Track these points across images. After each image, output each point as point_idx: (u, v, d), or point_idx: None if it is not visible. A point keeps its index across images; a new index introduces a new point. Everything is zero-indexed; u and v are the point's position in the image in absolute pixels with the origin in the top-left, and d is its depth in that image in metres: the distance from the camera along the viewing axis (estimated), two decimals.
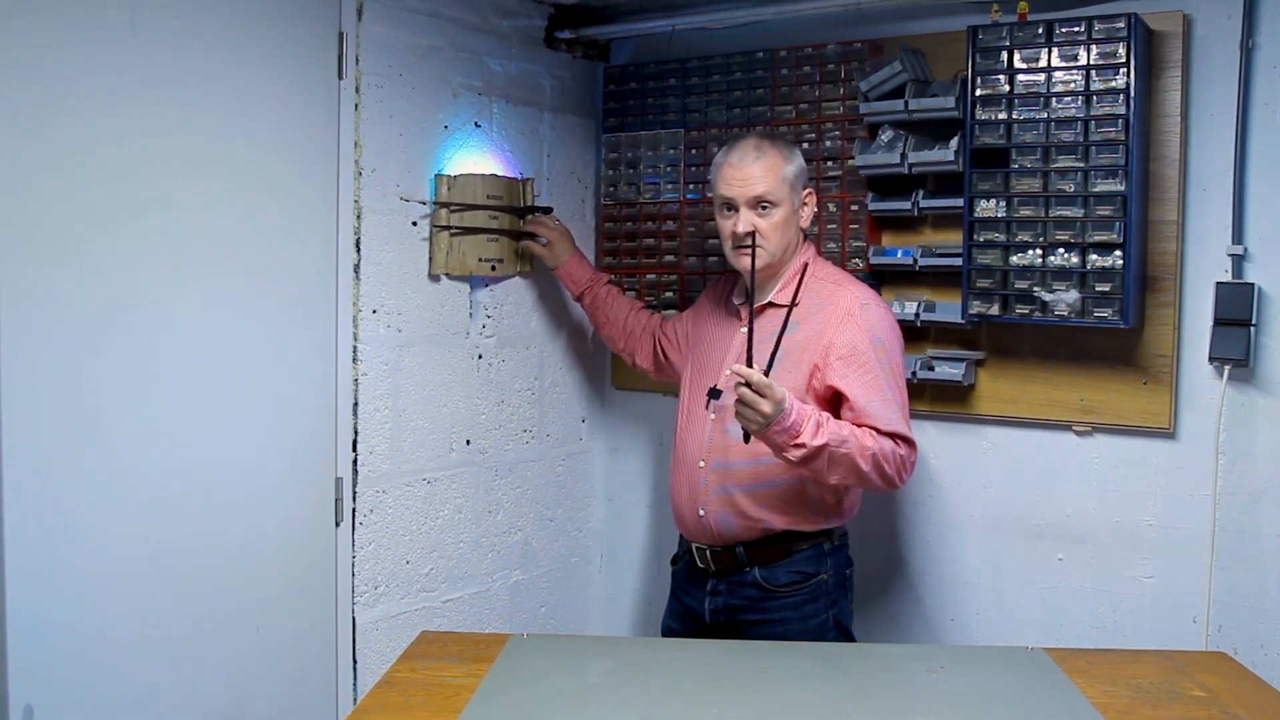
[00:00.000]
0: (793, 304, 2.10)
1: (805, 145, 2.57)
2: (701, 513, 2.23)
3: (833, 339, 2.14)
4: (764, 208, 2.18)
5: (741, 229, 2.18)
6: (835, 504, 2.23)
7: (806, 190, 2.26)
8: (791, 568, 2.21)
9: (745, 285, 2.31)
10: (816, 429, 2.00)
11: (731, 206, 2.21)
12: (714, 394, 2.21)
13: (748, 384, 1.94)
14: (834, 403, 2.15)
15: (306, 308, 2.28)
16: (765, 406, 1.94)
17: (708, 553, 2.26)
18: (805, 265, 2.24)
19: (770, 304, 2.24)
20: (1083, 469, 2.42)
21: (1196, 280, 2.27)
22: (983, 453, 2.53)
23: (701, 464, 2.23)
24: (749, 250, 2.16)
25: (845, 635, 2.27)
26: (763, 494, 2.18)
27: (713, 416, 2.23)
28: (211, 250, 2.09)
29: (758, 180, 2.17)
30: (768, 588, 2.21)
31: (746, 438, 2.03)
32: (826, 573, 2.23)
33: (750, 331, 2.10)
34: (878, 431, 2.08)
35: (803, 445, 1.99)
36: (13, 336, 1.79)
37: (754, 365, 1.99)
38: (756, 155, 2.19)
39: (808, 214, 2.28)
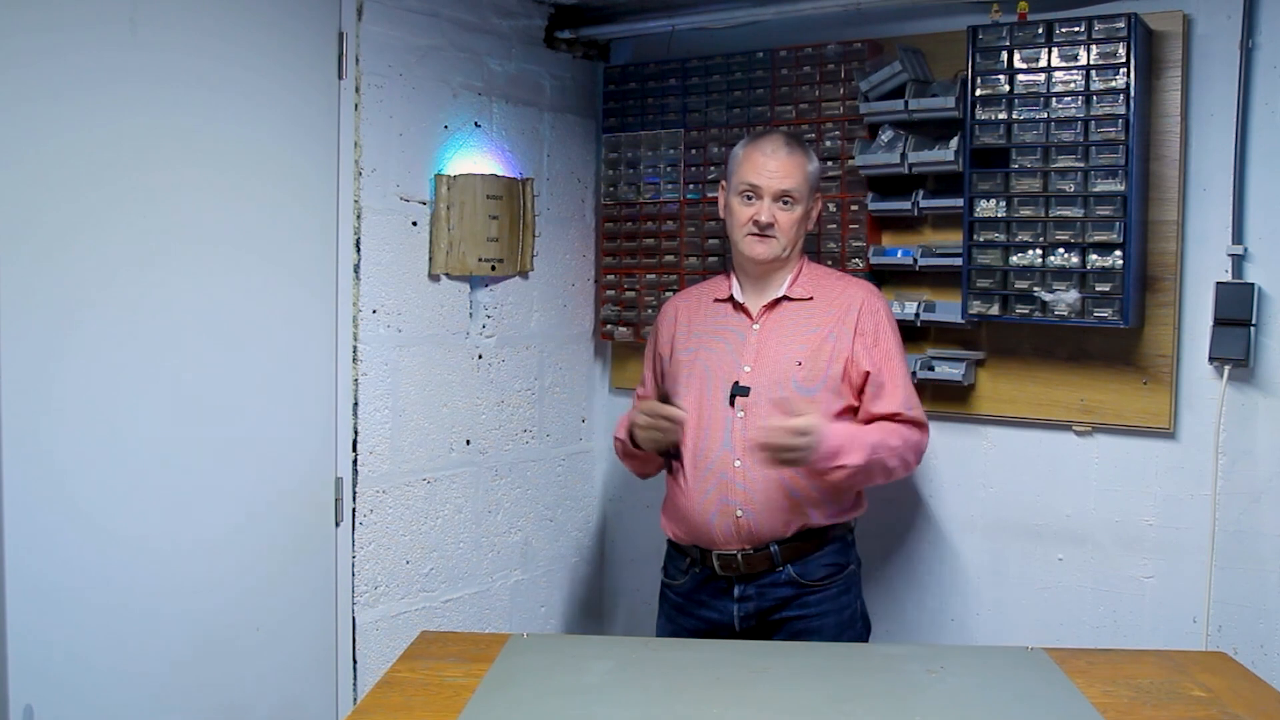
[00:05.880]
0: (799, 299, 2.25)
1: None
2: (740, 514, 2.19)
3: (857, 327, 2.22)
4: (786, 202, 2.22)
5: (765, 219, 2.21)
6: (860, 494, 2.30)
7: (817, 194, 2.33)
8: (824, 561, 2.22)
9: (738, 282, 2.30)
10: (855, 448, 2.10)
11: (755, 194, 2.23)
12: (741, 391, 2.20)
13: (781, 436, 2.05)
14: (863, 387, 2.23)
15: (306, 308, 2.28)
16: (803, 441, 2.04)
17: (739, 557, 2.21)
18: (803, 264, 2.32)
19: (786, 298, 2.27)
20: (1083, 469, 2.42)
21: (1196, 280, 2.28)
22: (983, 453, 2.54)
23: (738, 464, 2.19)
24: (764, 238, 2.23)
25: (867, 625, 2.32)
26: (809, 486, 2.18)
27: (741, 414, 2.20)
28: (211, 250, 2.09)
29: (787, 174, 2.22)
30: (804, 583, 2.21)
31: None
32: (853, 563, 2.28)
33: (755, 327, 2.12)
34: (900, 418, 2.17)
35: (844, 467, 2.09)
36: (13, 337, 1.79)
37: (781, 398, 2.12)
38: (789, 151, 2.23)
39: (814, 216, 2.34)
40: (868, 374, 2.19)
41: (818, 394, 2.18)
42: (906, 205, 2.50)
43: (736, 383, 2.21)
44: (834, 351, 2.20)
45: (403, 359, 2.49)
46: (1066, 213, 2.25)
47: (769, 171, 2.21)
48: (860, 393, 2.21)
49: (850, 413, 2.22)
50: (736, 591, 2.23)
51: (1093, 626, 2.41)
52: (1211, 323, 2.23)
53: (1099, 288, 2.23)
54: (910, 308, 2.47)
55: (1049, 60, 2.24)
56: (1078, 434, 2.42)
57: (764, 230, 2.22)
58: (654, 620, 2.44)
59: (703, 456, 2.22)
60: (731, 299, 2.32)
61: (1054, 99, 2.24)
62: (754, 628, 2.24)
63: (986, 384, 2.50)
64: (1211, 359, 2.25)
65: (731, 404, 2.21)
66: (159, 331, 2.01)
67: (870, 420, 2.20)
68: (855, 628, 2.27)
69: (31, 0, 1.80)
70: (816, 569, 2.22)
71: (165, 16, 1.98)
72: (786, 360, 2.21)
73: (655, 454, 2.29)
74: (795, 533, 2.20)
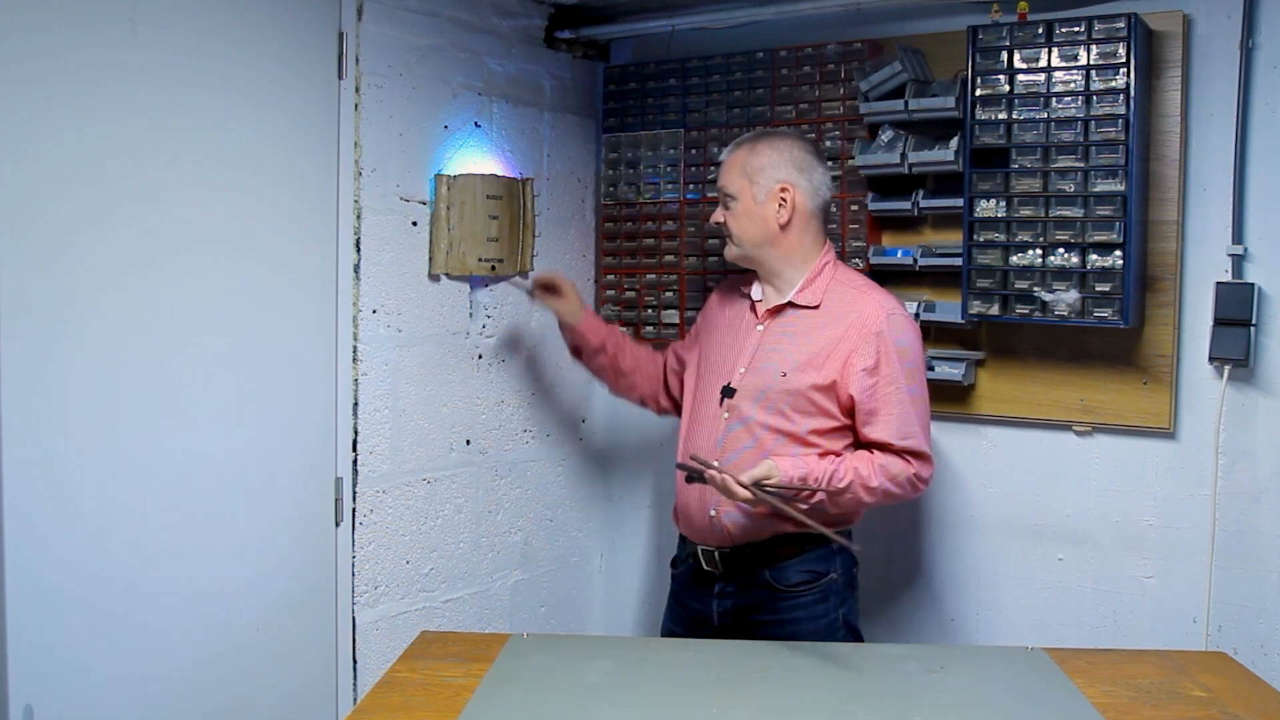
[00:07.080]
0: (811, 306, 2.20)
1: None
2: (713, 513, 2.19)
3: (856, 348, 2.11)
4: (727, 202, 2.24)
5: (711, 222, 2.31)
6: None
7: (781, 185, 2.17)
8: (802, 567, 2.19)
9: (759, 281, 2.30)
10: (812, 492, 2.05)
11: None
12: (728, 392, 2.20)
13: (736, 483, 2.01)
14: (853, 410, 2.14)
15: (306, 308, 2.28)
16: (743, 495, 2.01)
17: (716, 554, 2.22)
18: (824, 266, 2.22)
19: (791, 304, 2.22)
20: (1083, 469, 2.42)
21: (1196, 280, 2.28)
22: (983, 453, 2.54)
23: (715, 464, 2.18)
24: (726, 242, 2.28)
25: (854, 635, 2.25)
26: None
27: (725, 415, 2.20)
28: (211, 250, 2.09)
29: (722, 174, 2.26)
30: (779, 588, 2.18)
31: (690, 479, 2.11)
32: (836, 571, 2.21)
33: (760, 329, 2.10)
34: (890, 448, 2.09)
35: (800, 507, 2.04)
36: (13, 337, 1.79)
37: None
38: (730, 150, 2.26)
39: (785, 212, 2.17)
40: (853, 398, 2.11)
41: (791, 412, 2.13)
42: (906, 205, 2.50)
43: (728, 384, 2.21)
44: (822, 371, 2.13)
45: (403, 359, 2.49)
46: (1066, 213, 2.25)
47: (719, 176, 2.28)
48: (851, 414, 2.14)
49: (834, 434, 2.14)
50: (716, 588, 2.25)
51: (1093, 626, 2.41)
52: (1211, 323, 2.24)
53: (1099, 288, 2.23)
54: (910, 308, 2.46)
55: (1049, 60, 2.24)
56: (1078, 434, 2.42)
57: (717, 234, 2.26)
58: (653, 619, 2.45)
59: (691, 451, 2.23)
60: (749, 296, 2.31)
61: (1054, 99, 2.24)
62: (731, 625, 2.23)
63: (986, 384, 2.50)
64: (1211, 359, 2.25)
65: (720, 404, 2.21)
66: (159, 331, 2.01)
67: (866, 444, 2.15)
68: (836, 639, 2.18)
69: (31, 0, 1.80)
70: (792, 575, 2.18)
71: (165, 16, 1.98)
72: (773, 370, 2.17)
73: (588, 342, 2.45)
74: (772, 537, 2.18)
